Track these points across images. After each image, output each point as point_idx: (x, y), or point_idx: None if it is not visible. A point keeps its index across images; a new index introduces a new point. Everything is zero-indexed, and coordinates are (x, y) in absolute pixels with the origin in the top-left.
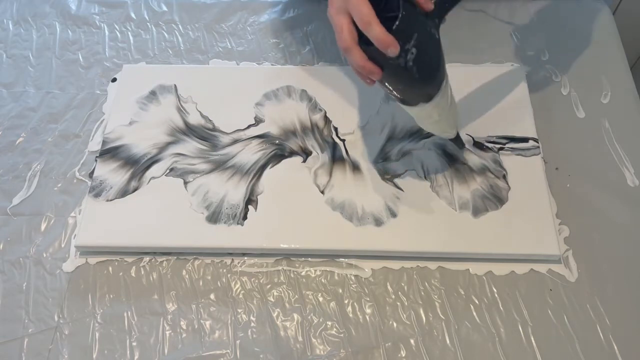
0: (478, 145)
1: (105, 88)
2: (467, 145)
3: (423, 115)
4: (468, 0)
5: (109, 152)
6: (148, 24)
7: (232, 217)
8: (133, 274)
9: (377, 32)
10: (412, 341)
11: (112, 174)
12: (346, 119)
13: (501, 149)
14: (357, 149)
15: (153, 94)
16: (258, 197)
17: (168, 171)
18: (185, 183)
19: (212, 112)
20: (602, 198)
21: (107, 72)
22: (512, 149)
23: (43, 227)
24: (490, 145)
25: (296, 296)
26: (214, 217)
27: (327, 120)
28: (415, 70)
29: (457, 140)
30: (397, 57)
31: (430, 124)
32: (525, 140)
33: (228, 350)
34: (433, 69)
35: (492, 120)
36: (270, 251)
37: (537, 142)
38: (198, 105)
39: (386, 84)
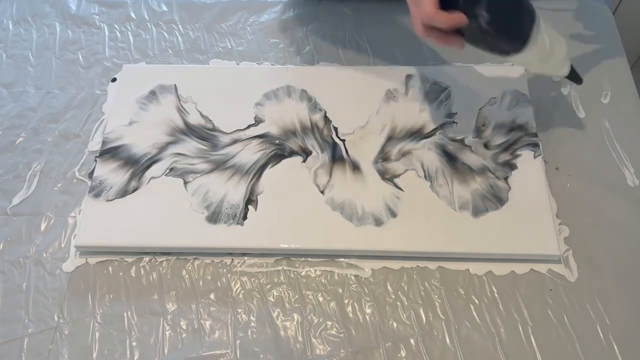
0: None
1: (105, 88)
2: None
3: (523, 61)
4: None
5: (109, 152)
6: (148, 24)
7: (232, 217)
8: (133, 274)
9: (442, 20)
10: (412, 341)
11: (112, 174)
12: (346, 119)
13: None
14: (357, 149)
15: (153, 94)
16: (258, 197)
17: (168, 171)
18: (185, 183)
19: (212, 112)
20: (602, 198)
21: (107, 72)
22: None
23: (43, 227)
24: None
25: (296, 296)
26: (214, 217)
27: (327, 120)
28: (493, 31)
29: (573, 76)
30: (472, 23)
31: (536, 68)
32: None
33: (228, 350)
34: (511, 26)
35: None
36: (270, 251)
37: (537, 142)
38: (198, 105)
39: (473, 44)
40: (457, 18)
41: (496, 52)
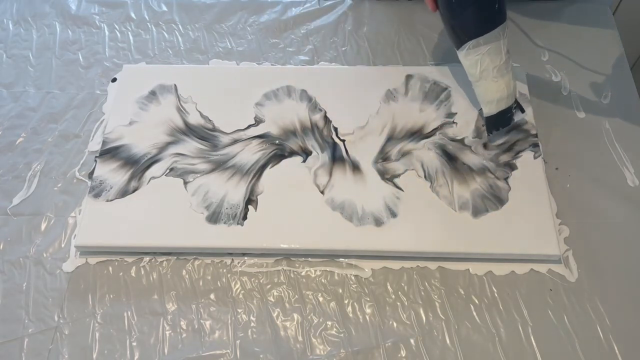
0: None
1: (105, 88)
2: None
3: (466, 65)
4: None
5: (109, 152)
6: (148, 24)
7: (232, 217)
8: (133, 274)
9: None
10: (412, 341)
11: (112, 174)
12: (346, 119)
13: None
14: (357, 149)
15: (153, 94)
16: (258, 197)
17: (168, 171)
18: (185, 183)
19: (212, 112)
20: (602, 198)
21: (107, 72)
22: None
23: (43, 227)
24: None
25: (296, 296)
26: (214, 217)
27: (327, 120)
28: (448, 16)
29: (488, 124)
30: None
31: (474, 84)
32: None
33: (228, 350)
34: (457, 24)
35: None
36: (270, 251)
37: (537, 142)
38: (198, 105)
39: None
40: None
41: (449, 38)
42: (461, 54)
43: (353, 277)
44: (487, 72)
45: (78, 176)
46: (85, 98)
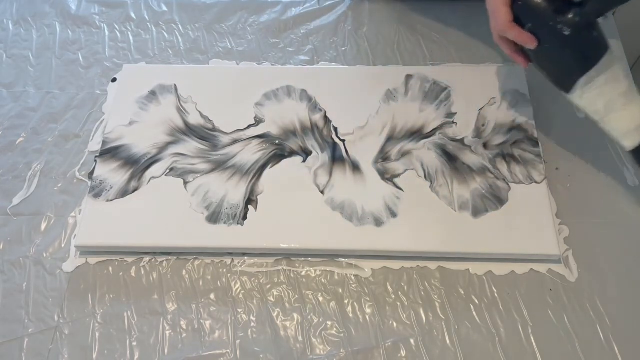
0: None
1: (105, 88)
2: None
3: (584, 106)
4: (468, 0)
5: (109, 152)
6: (148, 24)
7: (232, 217)
8: (133, 274)
9: (513, 33)
10: (412, 341)
11: (112, 174)
12: (346, 119)
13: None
14: (357, 149)
15: (153, 94)
16: (258, 197)
17: (168, 171)
18: (185, 183)
19: (212, 112)
20: (602, 198)
21: (107, 72)
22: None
23: (43, 227)
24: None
25: (296, 296)
26: (214, 217)
27: (327, 120)
28: (542, 65)
29: (636, 156)
30: (541, 48)
31: (602, 124)
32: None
33: (228, 350)
34: (559, 67)
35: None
36: (270, 251)
37: (537, 142)
38: (198, 105)
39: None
40: (527, 37)
41: (555, 84)
42: (575, 96)
43: (353, 277)
44: (612, 103)
45: (78, 176)
46: (85, 98)
